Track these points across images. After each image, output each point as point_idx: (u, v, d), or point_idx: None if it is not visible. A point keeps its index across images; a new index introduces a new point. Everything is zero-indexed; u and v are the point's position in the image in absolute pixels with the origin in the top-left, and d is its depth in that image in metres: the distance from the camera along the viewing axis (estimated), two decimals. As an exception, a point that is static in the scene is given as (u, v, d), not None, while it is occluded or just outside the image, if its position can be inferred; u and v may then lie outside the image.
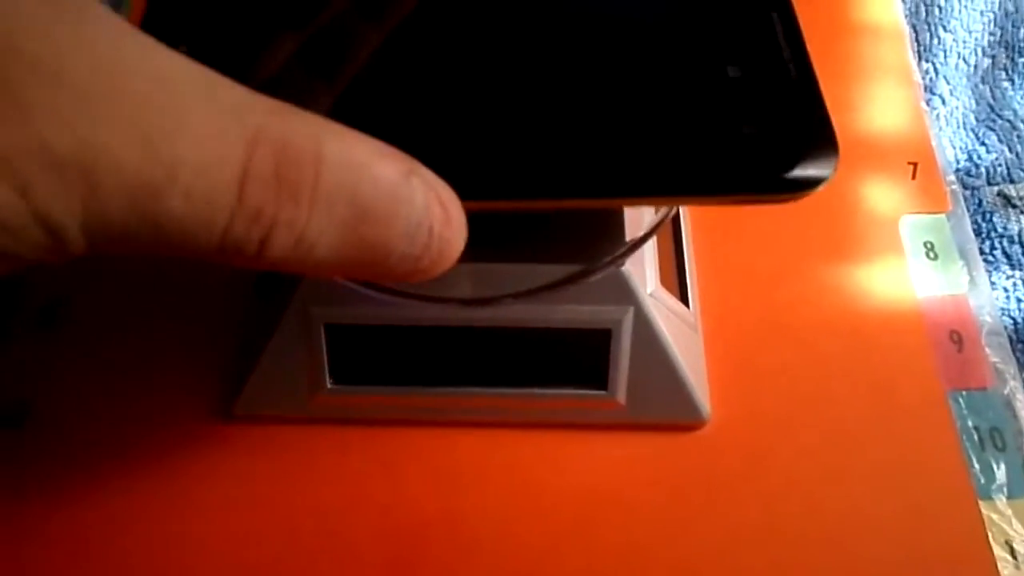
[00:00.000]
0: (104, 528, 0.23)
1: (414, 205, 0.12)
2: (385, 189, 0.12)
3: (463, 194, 0.16)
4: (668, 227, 0.26)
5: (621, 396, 0.23)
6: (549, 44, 0.19)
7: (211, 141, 0.10)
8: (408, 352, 0.22)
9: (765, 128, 0.17)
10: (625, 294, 0.21)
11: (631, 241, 0.20)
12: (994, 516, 0.23)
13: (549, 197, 0.16)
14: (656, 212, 0.21)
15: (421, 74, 0.18)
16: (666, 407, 0.23)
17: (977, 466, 0.24)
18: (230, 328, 0.25)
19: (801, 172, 0.16)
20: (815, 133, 0.17)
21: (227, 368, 0.24)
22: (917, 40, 0.34)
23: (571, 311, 0.21)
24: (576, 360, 0.22)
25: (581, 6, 0.20)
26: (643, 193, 0.17)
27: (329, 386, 0.22)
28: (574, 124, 0.17)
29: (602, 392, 0.23)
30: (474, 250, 0.20)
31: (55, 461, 0.23)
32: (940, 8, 0.34)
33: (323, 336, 0.22)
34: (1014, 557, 0.22)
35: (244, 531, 0.22)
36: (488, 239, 0.20)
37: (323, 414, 0.23)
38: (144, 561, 0.22)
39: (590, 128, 0.17)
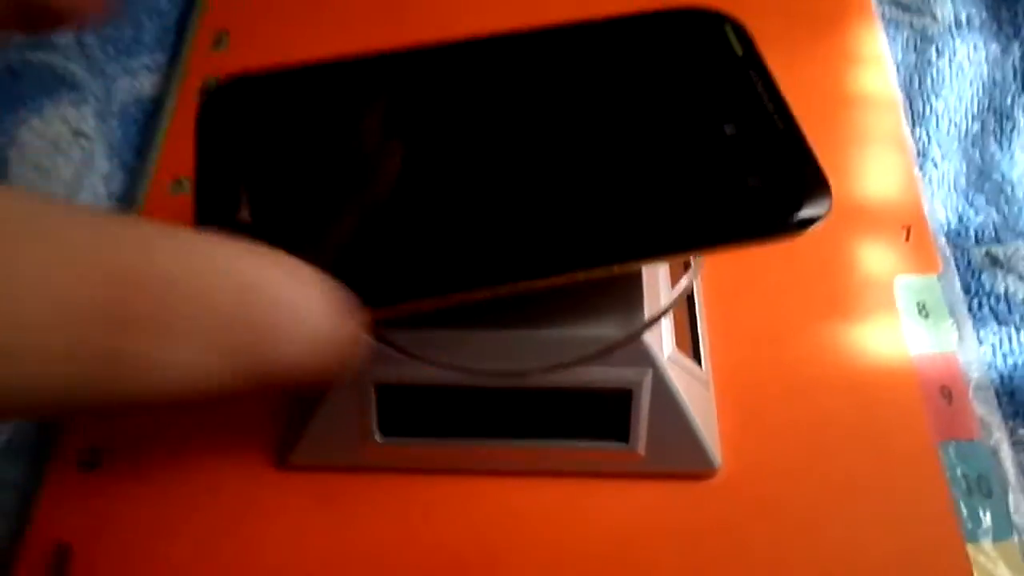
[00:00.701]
0: (170, 564, 0.25)
1: None
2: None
3: (504, 279, 0.19)
4: (684, 292, 0.28)
5: (641, 448, 0.25)
6: (559, 129, 0.22)
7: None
8: (448, 409, 0.25)
9: (768, 178, 0.20)
10: (645, 359, 0.23)
11: (654, 315, 0.23)
12: (981, 558, 0.25)
13: (593, 265, 0.19)
14: (672, 287, 0.24)
15: (439, 166, 0.21)
16: (681, 458, 0.26)
17: (965, 511, 0.26)
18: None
19: (805, 213, 0.19)
20: (811, 177, 0.20)
21: (284, 421, 0.27)
22: (911, 108, 0.36)
23: (597, 373, 0.24)
24: (601, 417, 0.25)
25: (582, 89, 0.22)
26: (677, 249, 0.20)
27: (377, 439, 0.25)
28: (602, 198, 0.20)
29: (624, 445, 0.25)
30: (507, 319, 0.22)
31: (128, 501, 0.26)
32: (932, 78, 0.37)
33: (373, 394, 0.24)
34: (998, 596, 0.24)
35: (297, 566, 0.25)
36: (521, 308, 0.22)
37: (371, 463, 0.26)
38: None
39: (618, 199, 0.20)
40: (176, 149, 0.34)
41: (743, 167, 0.20)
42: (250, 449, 0.27)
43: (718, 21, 0.24)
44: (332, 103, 0.22)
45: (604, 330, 0.23)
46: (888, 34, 0.38)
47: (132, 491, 0.26)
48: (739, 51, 0.23)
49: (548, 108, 0.22)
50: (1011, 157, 0.35)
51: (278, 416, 0.27)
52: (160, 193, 0.33)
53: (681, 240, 0.19)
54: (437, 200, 0.20)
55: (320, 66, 0.23)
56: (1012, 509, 0.26)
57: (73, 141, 0.35)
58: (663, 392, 0.24)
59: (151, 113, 0.37)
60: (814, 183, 0.20)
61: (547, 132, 0.21)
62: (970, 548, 0.25)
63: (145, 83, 0.37)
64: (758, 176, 0.20)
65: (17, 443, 0.28)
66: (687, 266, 0.25)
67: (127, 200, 0.34)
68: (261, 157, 0.21)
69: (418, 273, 0.19)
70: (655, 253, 0.19)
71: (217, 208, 0.20)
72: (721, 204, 0.20)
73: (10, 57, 0.38)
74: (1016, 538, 0.25)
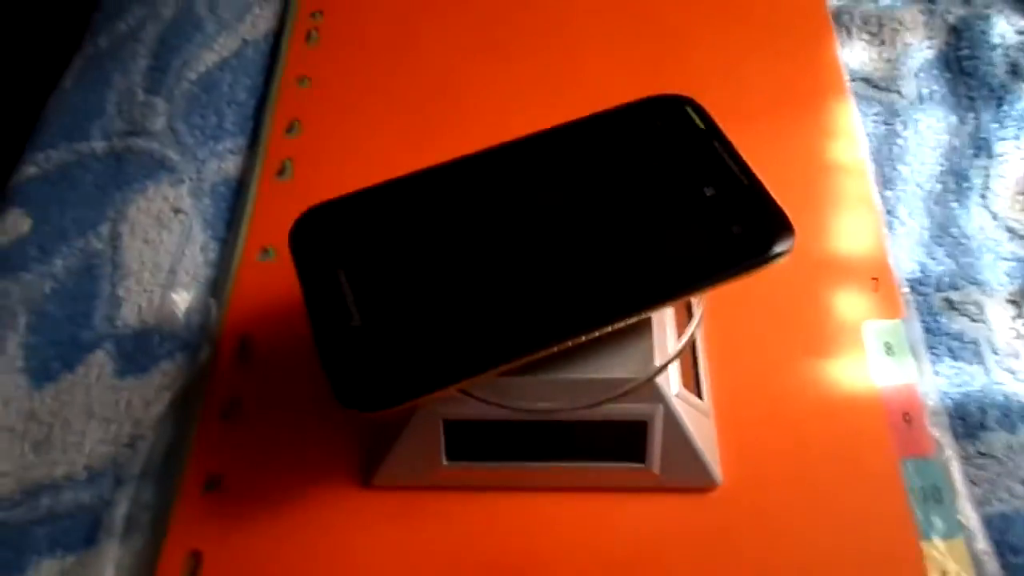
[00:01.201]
0: (281, 566, 0.31)
1: None
2: None
3: (552, 339, 0.25)
4: (689, 341, 0.35)
5: (655, 468, 0.31)
6: (577, 216, 0.28)
7: None
8: (502, 438, 0.31)
9: (747, 225, 0.27)
10: (658, 396, 0.30)
11: (665, 361, 0.29)
12: (934, 553, 0.31)
13: (627, 312, 0.26)
14: (678, 337, 0.30)
15: (488, 261, 0.27)
16: (688, 475, 0.32)
17: (921, 515, 0.32)
18: (369, 419, 0.34)
19: (779, 248, 0.27)
20: (779, 221, 0.27)
21: (366, 450, 0.33)
22: (881, 173, 0.42)
23: (619, 409, 0.30)
24: (622, 443, 0.31)
25: (586, 179, 0.29)
26: (687, 289, 0.27)
27: (445, 463, 0.31)
28: (623, 261, 0.27)
29: (641, 465, 0.31)
30: (547, 367, 0.29)
31: (244, 516, 0.32)
32: (899, 147, 0.43)
33: (441, 428, 0.31)
34: (947, 583, 0.30)
35: (379, 567, 0.31)
36: (558, 358, 0.28)
37: (439, 483, 0.32)
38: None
39: (636, 259, 0.27)
40: (261, 222, 0.41)
41: (727, 219, 0.27)
42: (339, 473, 0.33)
43: (679, 104, 0.31)
44: (395, 215, 0.29)
45: (624, 374, 0.29)
46: (860, 109, 0.44)
47: (247, 508, 0.33)
48: (701, 125, 0.30)
49: (564, 199, 0.29)
50: (967, 213, 0.41)
51: (362, 447, 0.34)
52: (251, 260, 0.40)
53: (692, 281, 0.26)
54: (494, 288, 0.27)
55: (375, 188, 0.30)
56: (959, 513, 0.32)
57: (173, 217, 0.42)
58: (673, 423, 0.30)
59: (236, 191, 0.43)
60: (783, 225, 0.27)
61: (565, 219, 0.28)
62: (924, 545, 0.31)
63: (230, 165, 0.44)
64: (739, 224, 0.27)
65: (149, 471, 0.35)
66: (690, 318, 0.31)
67: (222, 268, 0.40)
68: (354, 269, 0.27)
69: (496, 345, 0.25)
70: (671, 296, 0.26)
71: (332, 320, 0.26)
72: (716, 249, 0.27)
73: (113, 144, 0.45)
74: (962, 536, 0.31)
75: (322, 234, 0.29)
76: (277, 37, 0.49)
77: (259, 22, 0.50)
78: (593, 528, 0.32)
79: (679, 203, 0.28)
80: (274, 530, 0.32)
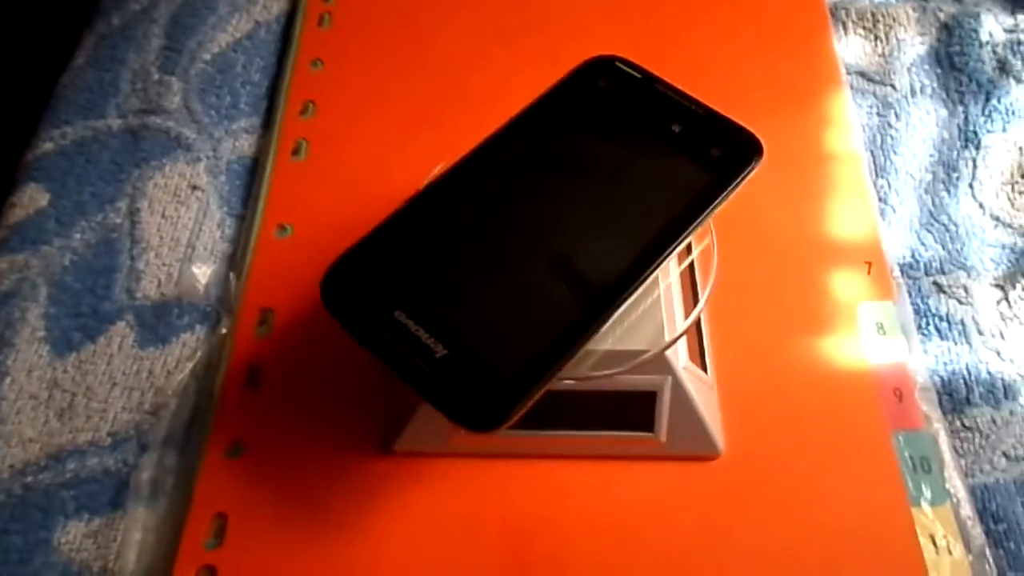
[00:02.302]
0: (305, 530, 0.33)
1: None
2: None
3: (609, 306, 0.27)
4: (695, 320, 0.36)
5: (662, 436, 0.33)
6: (580, 190, 0.31)
7: None
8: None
9: (722, 146, 0.31)
10: (666, 369, 0.31)
11: (676, 335, 0.31)
12: (922, 519, 0.33)
13: (660, 256, 0.28)
14: (685, 316, 0.32)
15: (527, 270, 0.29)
16: (693, 444, 0.34)
17: (911, 484, 0.34)
18: (391, 385, 0.35)
19: (755, 163, 0.30)
20: (744, 133, 0.31)
21: (387, 418, 0.35)
22: (874, 162, 0.44)
23: (631, 380, 0.31)
24: (632, 413, 0.32)
25: (565, 158, 0.32)
26: (700, 215, 0.29)
27: (464, 431, 0.33)
28: (635, 216, 0.30)
29: (650, 433, 0.33)
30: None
31: (267, 481, 0.34)
32: (892, 138, 0.45)
33: (461, 396, 0.32)
34: (935, 546, 0.32)
35: (400, 530, 0.33)
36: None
37: (458, 450, 0.33)
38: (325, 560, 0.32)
39: (645, 212, 0.30)
40: (277, 200, 0.42)
41: (704, 146, 0.31)
42: (360, 439, 0.34)
43: (610, 63, 0.33)
44: (420, 241, 0.29)
45: (637, 347, 0.31)
46: (855, 102, 0.46)
47: (270, 472, 0.34)
48: (639, 75, 0.33)
49: (561, 177, 0.31)
50: (956, 202, 0.43)
51: (382, 414, 0.35)
52: (268, 237, 0.41)
53: (699, 207, 0.29)
54: (540, 277, 0.28)
55: (386, 225, 0.29)
56: (946, 482, 0.34)
57: (190, 194, 0.43)
58: (679, 394, 0.32)
59: (251, 169, 0.44)
60: (747, 136, 0.31)
61: (572, 195, 0.30)
62: (914, 511, 0.33)
63: (244, 144, 0.45)
64: (716, 147, 0.31)
65: (172, 438, 0.36)
66: (696, 300, 0.33)
67: (240, 243, 0.41)
68: (410, 304, 0.27)
69: (569, 328, 0.27)
70: (690, 223, 0.29)
71: (418, 360, 0.26)
72: (707, 173, 0.30)
73: (129, 122, 0.46)
74: (949, 503, 0.33)
75: (357, 284, 0.28)
76: (290, 19, 0.50)
77: (272, 4, 0.51)
78: (602, 493, 0.33)
79: (660, 146, 0.31)
80: (297, 494, 0.33)
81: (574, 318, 0.27)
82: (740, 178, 0.30)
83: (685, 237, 0.29)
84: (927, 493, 0.33)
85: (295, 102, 0.46)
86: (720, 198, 0.29)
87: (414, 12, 0.49)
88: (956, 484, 0.34)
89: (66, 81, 0.48)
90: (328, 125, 0.45)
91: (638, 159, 0.31)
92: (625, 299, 0.28)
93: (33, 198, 0.43)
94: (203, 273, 0.40)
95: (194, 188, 0.43)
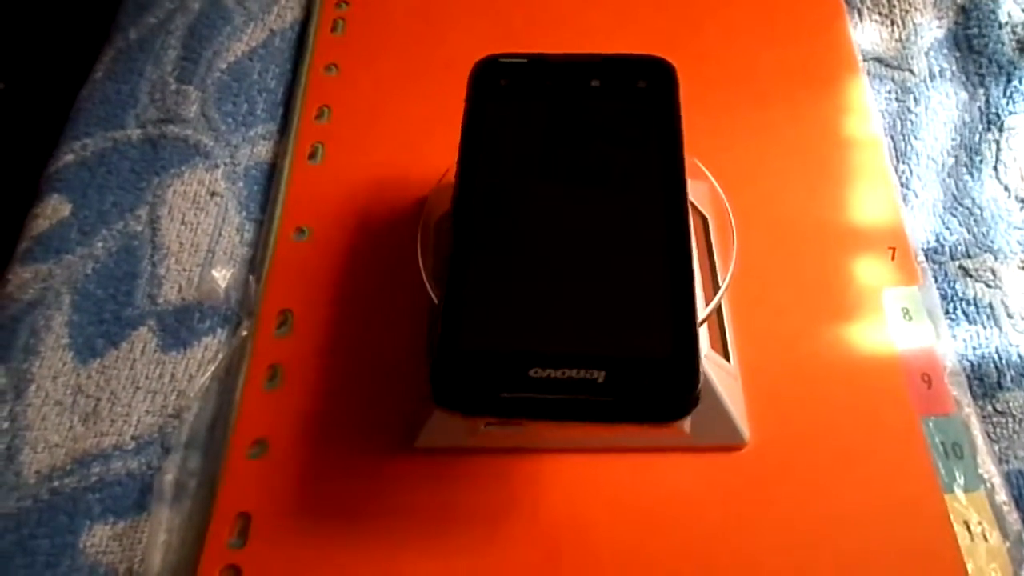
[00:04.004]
0: (327, 526, 0.33)
1: None
2: None
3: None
4: (715, 307, 0.36)
5: (687, 426, 0.32)
6: (597, 190, 0.30)
7: None
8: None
9: (642, 78, 0.32)
10: (689, 356, 0.31)
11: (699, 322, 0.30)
12: (956, 505, 0.32)
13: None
14: (707, 305, 0.31)
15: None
16: (717, 434, 0.33)
17: (943, 470, 0.33)
18: (411, 383, 0.35)
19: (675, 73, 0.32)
20: (653, 61, 0.32)
21: (408, 414, 0.34)
22: (895, 148, 0.43)
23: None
24: (656, 402, 0.32)
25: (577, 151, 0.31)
26: None
27: (486, 425, 0.32)
28: (656, 190, 0.30)
29: (674, 424, 0.32)
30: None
31: (289, 480, 0.34)
32: (912, 122, 0.44)
33: (480, 391, 0.32)
34: (970, 532, 0.31)
35: (420, 524, 0.32)
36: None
37: (481, 445, 0.33)
38: (349, 548, 0.32)
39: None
40: (295, 203, 0.42)
41: (628, 84, 0.32)
42: (382, 436, 0.34)
43: (495, 61, 0.34)
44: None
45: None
46: (873, 87, 0.45)
47: (293, 471, 0.34)
48: (525, 60, 0.33)
49: (581, 178, 0.30)
50: (980, 185, 0.42)
51: (402, 411, 0.35)
52: (286, 240, 0.41)
53: (671, 128, 0.30)
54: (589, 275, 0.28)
55: (449, 308, 0.28)
56: (979, 467, 0.33)
57: (209, 199, 0.44)
58: (704, 383, 0.31)
59: (269, 174, 0.45)
60: (649, 59, 0.33)
61: (595, 194, 0.30)
62: (947, 498, 0.32)
63: (262, 149, 0.46)
64: (640, 80, 0.32)
65: (195, 441, 0.36)
66: (716, 288, 0.33)
67: (259, 247, 0.42)
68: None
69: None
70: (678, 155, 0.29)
71: (585, 399, 0.26)
72: (651, 103, 0.31)
73: (148, 131, 0.47)
74: (983, 489, 0.33)
75: (467, 370, 0.27)
76: (304, 27, 0.50)
77: (285, 12, 0.51)
78: (628, 486, 0.33)
79: (596, 104, 0.31)
80: (319, 492, 0.33)
81: (668, 279, 0.27)
82: (678, 92, 0.31)
83: (683, 166, 0.29)
84: (960, 479, 0.33)
85: (311, 107, 0.46)
86: (677, 113, 0.30)
87: (427, 16, 0.49)
88: (990, 469, 0.33)
89: (86, 94, 0.49)
90: (343, 129, 0.45)
91: (592, 127, 0.31)
92: (688, 243, 0.28)
93: (56, 209, 0.44)
94: (223, 277, 0.41)
95: (213, 194, 0.44)
